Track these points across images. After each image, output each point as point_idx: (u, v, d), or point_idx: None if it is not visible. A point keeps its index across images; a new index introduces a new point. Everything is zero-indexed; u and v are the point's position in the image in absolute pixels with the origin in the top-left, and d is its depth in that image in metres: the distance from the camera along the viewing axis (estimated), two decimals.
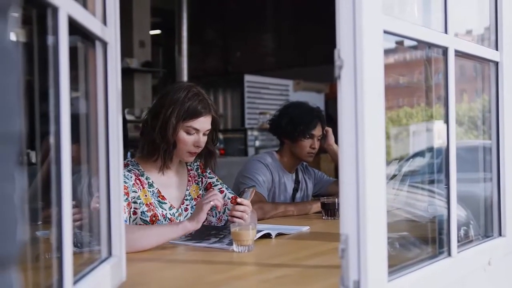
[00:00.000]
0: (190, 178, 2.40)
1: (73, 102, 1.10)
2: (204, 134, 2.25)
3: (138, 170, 2.23)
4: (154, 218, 2.19)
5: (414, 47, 1.72)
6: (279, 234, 2.19)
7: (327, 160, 6.80)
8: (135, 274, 1.55)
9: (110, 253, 1.38)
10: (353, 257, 1.18)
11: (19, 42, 0.63)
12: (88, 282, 1.17)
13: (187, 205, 2.34)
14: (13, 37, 0.61)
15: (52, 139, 1.01)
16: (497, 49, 1.81)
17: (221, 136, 7.63)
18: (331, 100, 8.27)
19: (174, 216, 2.27)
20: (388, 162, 1.28)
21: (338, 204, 2.65)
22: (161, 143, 2.19)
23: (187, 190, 2.36)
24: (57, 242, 1.01)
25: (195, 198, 2.37)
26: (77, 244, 1.32)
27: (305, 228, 2.36)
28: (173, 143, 2.20)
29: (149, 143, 2.22)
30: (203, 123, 2.23)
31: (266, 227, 2.18)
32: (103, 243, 1.37)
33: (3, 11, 0.58)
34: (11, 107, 0.59)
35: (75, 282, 1.10)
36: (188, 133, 2.21)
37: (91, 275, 1.21)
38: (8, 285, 0.58)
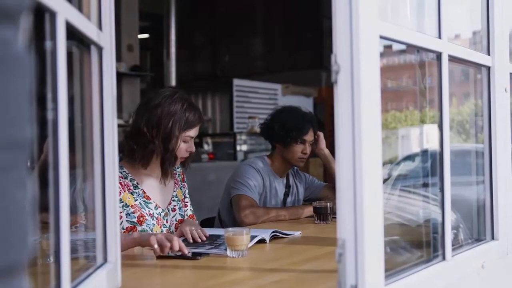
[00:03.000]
0: (176, 181, 2.46)
1: (68, 107, 1.09)
2: (194, 139, 2.35)
3: (122, 173, 2.25)
4: (141, 219, 2.23)
5: (402, 51, 1.72)
6: (274, 237, 2.19)
7: (316, 164, 6.81)
8: (130, 280, 1.54)
9: (105, 259, 1.37)
10: (350, 261, 1.18)
11: (30, 49, 0.62)
12: None
13: (174, 205, 2.41)
14: (24, 42, 0.61)
15: (49, 145, 1.00)
16: (489, 54, 1.82)
17: (209, 140, 7.62)
18: (320, 104, 8.29)
19: (160, 215, 2.32)
20: None
21: (330, 208, 2.67)
22: (165, 154, 2.26)
23: (174, 191, 2.43)
24: (55, 248, 1.00)
25: (181, 200, 2.45)
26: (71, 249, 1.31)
27: (298, 233, 2.36)
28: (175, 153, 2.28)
29: (149, 153, 2.26)
30: (197, 130, 2.34)
31: (259, 232, 2.18)
32: (98, 249, 1.36)
33: (14, 18, 0.58)
34: (23, 114, 0.59)
35: None
36: (185, 141, 2.30)
37: (87, 281, 1.20)
38: None
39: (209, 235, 2.21)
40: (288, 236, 2.27)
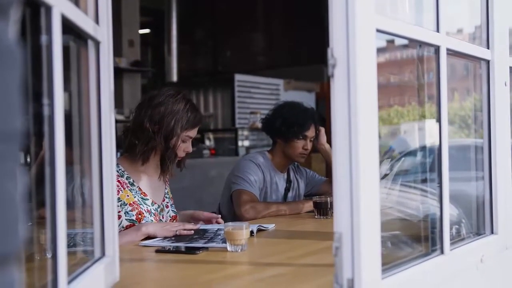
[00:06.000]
0: (167, 180, 2.50)
1: (65, 102, 1.09)
2: (192, 140, 2.38)
3: (118, 171, 2.27)
4: (140, 216, 2.26)
5: (405, 46, 1.72)
6: (259, 230, 2.25)
7: (318, 160, 6.81)
8: (128, 274, 1.55)
9: (103, 253, 1.37)
10: (347, 255, 1.18)
11: (20, 41, 0.63)
12: (82, 282, 1.17)
13: (167, 202, 2.45)
14: (14, 35, 0.61)
15: (45, 140, 1.00)
16: (488, 48, 1.82)
17: (211, 136, 7.63)
18: (322, 99, 8.29)
19: (157, 211, 2.35)
20: (380, 161, 1.29)
21: (331, 203, 2.67)
22: (165, 151, 2.28)
23: (166, 189, 2.47)
24: (51, 243, 1.00)
25: (171, 198, 2.50)
26: (69, 244, 1.32)
27: (271, 226, 2.39)
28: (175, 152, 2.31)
29: (150, 149, 2.29)
30: (196, 131, 2.38)
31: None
32: (96, 243, 1.36)
33: (4, 10, 0.58)
34: (13, 106, 0.59)
35: (69, 282, 1.09)
36: (184, 141, 2.33)
37: (85, 275, 1.21)
38: (10, 283, 0.58)
39: (198, 229, 2.23)
40: (267, 229, 2.32)
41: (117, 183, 2.23)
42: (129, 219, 2.22)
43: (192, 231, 2.16)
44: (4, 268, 0.57)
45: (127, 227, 2.20)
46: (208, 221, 2.42)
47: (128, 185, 2.29)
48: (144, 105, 2.31)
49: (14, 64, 0.59)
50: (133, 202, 2.26)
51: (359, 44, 1.17)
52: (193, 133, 2.35)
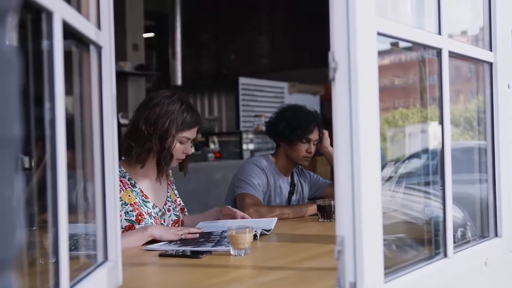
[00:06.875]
0: (169, 183, 2.50)
1: (67, 107, 1.10)
2: (191, 142, 2.38)
3: (120, 172, 2.27)
4: (140, 217, 2.27)
5: (409, 48, 1.72)
6: (262, 234, 2.24)
7: (323, 163, 6.80)
8: (131, 279, 1.55)
9: (106, 258, 1.37)
10: (349, 258, 1.18)
11: (17, 47, 0.63)
12: (85, 286, 1.17)
13: (169, 206, 2.45)
14: (11, 41, 0.61)
15: (47, 144, 1.01)
16: (491, 50, 1.81)
17: (216, 139, 7.63)
18: (326, 102, 8.28)
19: (157, 215, 2.36)
20: (384, 164, 1.28)
21: (334, 206, 2.66)
22: (161, 152, 2.28)
23: (168, 192, 2.47)
24: (53, 247, 1.00)
25: (174, 201, 2.49)
26: (72, 247, 1.32)
27: (274, 221, 2.41)
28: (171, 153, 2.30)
29: (146, 151, 2.29)
30: (195, 132, 2.37)
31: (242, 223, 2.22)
32: (99, 247, 1.36)
33: (1, 16, 0.59)
34: (11, 112, 0.59)
35: (72, 287, 1.10)
36: (181, 142, 2.33)
37: (87, 280, 1.21)
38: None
39: (203, 232, 2.23)
40: (271, 230, 2.31)
41: (119, 183, 2.24)
42: (128, 220, 2.23)
43: (197, 235, 2.16)
44: (1, 274, 0.57)
45: (126, 228, 2.21)
46: (232, 216, 2.44)
47: (130, 186, 2.30)
48: (141, 108, 2.34)
49: (12, 69, 0.59)
50: (134, 203, 2.27)
51: (360, 47, 1.17)
52: (190, 134, 2.34)
